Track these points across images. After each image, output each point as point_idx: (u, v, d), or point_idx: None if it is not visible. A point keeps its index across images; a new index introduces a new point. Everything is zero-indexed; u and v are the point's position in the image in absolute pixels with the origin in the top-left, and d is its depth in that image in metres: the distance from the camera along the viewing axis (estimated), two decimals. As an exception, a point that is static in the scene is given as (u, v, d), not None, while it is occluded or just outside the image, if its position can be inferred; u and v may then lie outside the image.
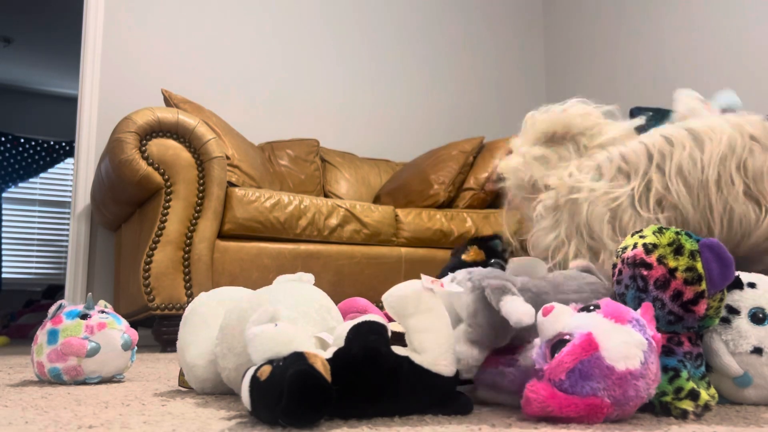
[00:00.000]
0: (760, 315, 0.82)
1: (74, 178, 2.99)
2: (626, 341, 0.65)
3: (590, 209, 1.13)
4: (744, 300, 0.84)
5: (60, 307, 1.16)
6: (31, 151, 6.56)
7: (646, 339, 0.66)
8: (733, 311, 0.83)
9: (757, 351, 0.80)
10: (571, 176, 1.16)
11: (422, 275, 0.73)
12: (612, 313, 0.68)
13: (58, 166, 6.72)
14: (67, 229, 6.71)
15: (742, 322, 0.82)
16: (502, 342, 0.76)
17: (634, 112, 3.01)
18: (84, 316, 1.15)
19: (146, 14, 3.22)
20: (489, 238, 0.91)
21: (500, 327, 0.74)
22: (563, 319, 0.70)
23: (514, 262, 0.81)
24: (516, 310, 0.68)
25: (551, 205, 1.20)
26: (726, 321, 0.83)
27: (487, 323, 0.74)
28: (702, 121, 1.16)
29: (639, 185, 1.12)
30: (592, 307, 0.70)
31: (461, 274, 0.77)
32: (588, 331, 0.66)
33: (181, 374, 1.02)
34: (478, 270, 0.77)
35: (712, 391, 0.78)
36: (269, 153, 3.17)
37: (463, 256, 0.88)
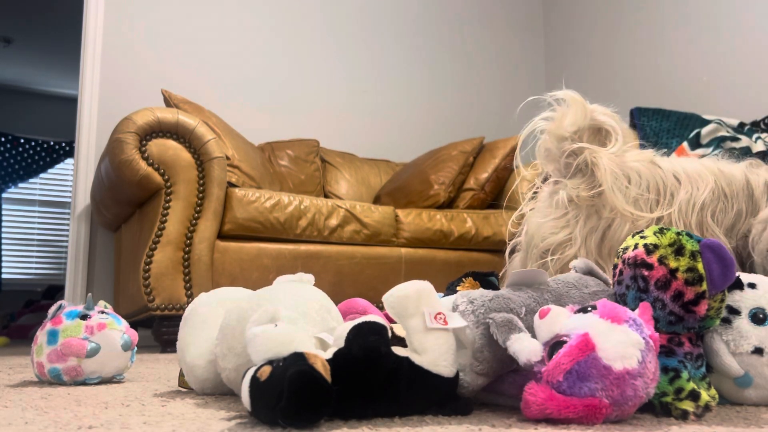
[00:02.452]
0: (761, 315, 0.82)
1: (74, 179, 2.99)
2: (623, 341, 0.65)
3: (619, 228, 1.16)
4: (744, 300, 0.84)
5: (60, 307, 1.16)
6: (31, 152, 6.56)
7: (643, 338, 0.66)
8: (734, 312, 0.83)
9: (758, 351, 0.80)
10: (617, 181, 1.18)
11: (425, 311, 0.72)
12: (608, 313, 0.68)
13: (58, 166, 6.72)
14: (67, 230, 6.71)
15: (742, 323, 0.82)
16: (508, 369, 0.76)
17: (634, 113, 3.01)
18: (84, 317, 1.15)
19: (146, 14, 3.22)
20: (486, 274, 0.91)
21: (507, 360, 0.75)
22: (560, 320, 0.70)
23: (514, 275, 0.81)
24: (524, 350, 0.68)
25: (578, 196, 1.20)
26: (726, 321, 0.83)
27: (494, 357, 0.74)
28: (690, 164, 1.25)
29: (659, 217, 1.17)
30: (588, 308, 0.70)
31: (462, 302, 0.77)
32: (584, 331, 0.66)
33: (181, 375, 1.02)
34: (480, 298, 0.77)
35: (713, 391, 0.78)
36: (269, 153, 3.17)
37: (458, 288, 0.88)
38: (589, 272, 0.89)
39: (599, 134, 1.28)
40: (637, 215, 1.15)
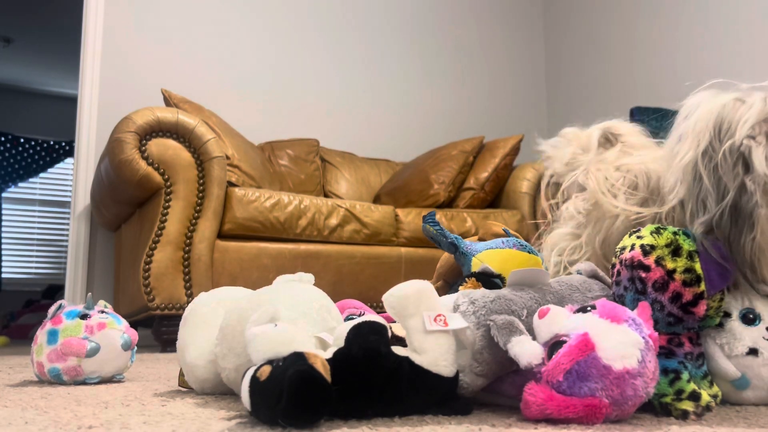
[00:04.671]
0: (750, 315, 0.81)
1: (74, 178, 2.99)
2: (622, 341, 0.65)
3: (615, 227, 1.15)
4: (734, 301, 0.83)
5: (60, 307, 1.16)
6: (31, 151, 6.56)
7: (643, 338, 0.66)
8: (725, 314, 0.82)
9: (753, 352, 0.80)
10: (607, 181, 1.17)
11: (424, 315, 0.72)
12: (608, 313, 0.68)
13: (58, 166, 6.72)
14: (67, 229, 6.71)
15: (734, 324, 0.81)
16: (507, 371, 0.77)
17: (634, 112, 3.01)
18: (84, 316, 1.15)
19: (146, 14, 3.22)
20: (493, 276, 0.90)
21: (507, 362, 0.75)
22: (559, 320, 0.69)
23: (515, 273, 0.81)
24: (524, 353, 0.68)
25: (580, 210, 1.21)
26: (719, 324, 0.82)
27: (494, 359, 0.74)
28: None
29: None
30: (588, 308, 0.70)
31: (464, 302, 0.77)
32: (584, 331, 0.66)
33: (181, 374, 1.02)
34: (481, 298, 0.77)
35: (715, 389, 0.77)
36: (269, 153, 3.17)
37: (461, 288, 0.88)
38: (594, 276, 0.89)
39: (608, 143, 1.29)
40: (633, 211, 1.15)
